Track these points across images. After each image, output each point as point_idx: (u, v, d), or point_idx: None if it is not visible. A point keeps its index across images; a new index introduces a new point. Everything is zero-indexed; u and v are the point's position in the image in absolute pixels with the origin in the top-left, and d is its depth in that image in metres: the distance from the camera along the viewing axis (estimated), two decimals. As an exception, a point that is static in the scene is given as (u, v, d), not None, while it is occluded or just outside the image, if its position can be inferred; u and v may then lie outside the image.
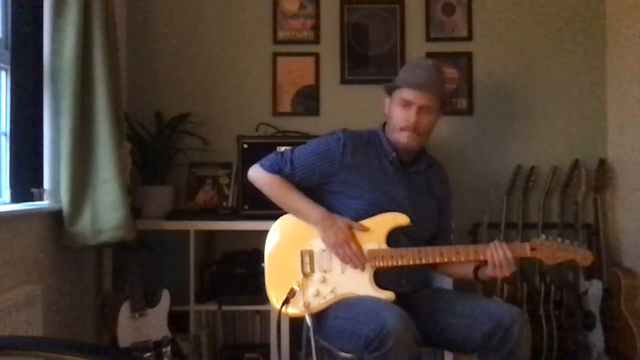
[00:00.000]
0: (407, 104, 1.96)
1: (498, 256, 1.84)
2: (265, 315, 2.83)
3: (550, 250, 1.89)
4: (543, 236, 1.91)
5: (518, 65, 3.13)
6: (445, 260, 1.91)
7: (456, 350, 2.14)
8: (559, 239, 1.90)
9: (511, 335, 1.75)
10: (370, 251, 1.92)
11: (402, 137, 1.98)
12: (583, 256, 1.89)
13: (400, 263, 1.90)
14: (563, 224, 2.96)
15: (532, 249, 1.89)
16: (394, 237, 1.94)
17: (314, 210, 1.96)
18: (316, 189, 2.03)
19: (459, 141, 3.10)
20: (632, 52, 2.92)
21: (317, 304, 1.90)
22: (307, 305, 1.89)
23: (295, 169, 2.00)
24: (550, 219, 3.00)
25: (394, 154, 2.01)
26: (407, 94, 1.96)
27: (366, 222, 1.94)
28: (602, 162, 3.02)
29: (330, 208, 1.97)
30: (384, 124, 2.09)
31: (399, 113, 1.97)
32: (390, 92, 2.04)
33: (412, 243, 1.95)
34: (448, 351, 2.46)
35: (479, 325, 1.79)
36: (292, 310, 1.91)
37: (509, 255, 1.84)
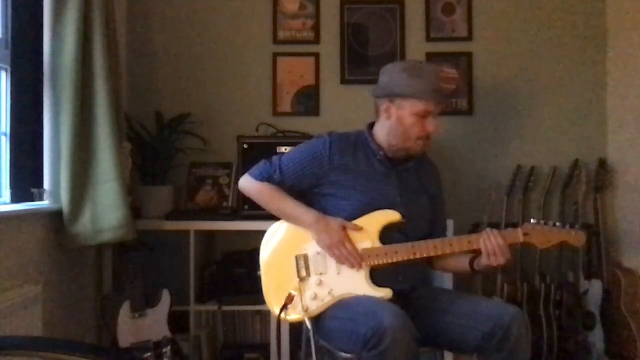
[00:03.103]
0: (425, 114, 1.95)
1: (491, 244, 1.84)
2: (265, 315, 2.83)
3: (542, 233, 1.88)
4: (534, 220, 1.91)
5: (518, 65, 3.13)
6: (439, 253, 1.90)
7: (456, 350, 2.13)
8: (550, 222, 1.90)
9: (510, 334, 1.75)
10: (364, 250, 1.92)
11: (418, 146, 1.99)
12: (576, 237, 1.88)
13: (394, 259, 1.90)
14: (562, 222, 2.96)
15: (525, 234, 1.88)
16: (388, 236, 1.94)
17: (307, 214, 1.96)
18: (307, 193, 2.03)
19: (459, 141, 3.10)
20: (633, 52, 2.92)
21: (316, 306, 1.90)
22: (305, 309, 1.89)
23: (284, 175, 2.00)
24: (550, 219, 2.97)
25: (381, 153, 2.01)
26: (427, 104, 1.94)
27: (358, 222, 1.94)
28: (602, 162, 3.02)
29: (322, 210, 1.97)
30: (370, 125, 2.09)
31: (416, 123, 1.95)
32: (391, 97, 1.99)
33: (407, 241, 1.94)
34: (448, 351, 2.46)
35: (478, 325, 1.79)
36: (291, 315, 1.91)
37: (501, 241, 1.84)
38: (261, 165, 2.05)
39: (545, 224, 1.89)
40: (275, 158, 2.05)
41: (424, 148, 2.03)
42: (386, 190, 1.99)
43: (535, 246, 1.90)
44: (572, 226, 1.91)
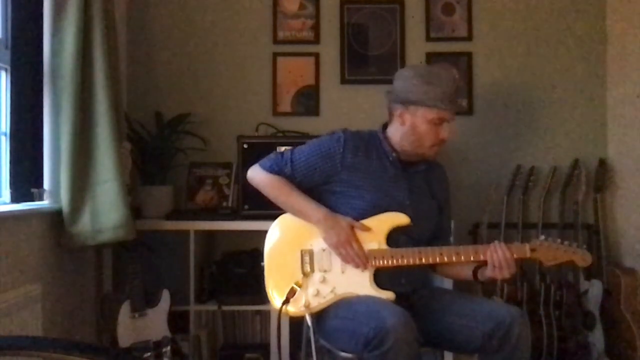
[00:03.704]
0: (439, 122, 1.95)
1: (498, 257, 1.85)
2: (265, 315, 2.83)
3: (549, 251, 1.89)
4: (542, 237, 1.92)
5: (518, 65, 3.13)
6: (446, 260, 1.90)
7: (456, 351, 2.14)
8: (559, 240, 1.91)
9: (511, 335, 1.75)
10: (371, 251, 1.92)
11: (432, 152, 2.01)
12: (582, 257, 1.91)
13: (400, 263, 1.90)
14: (563, 224, 2.96)
15: (532, 250, 1.89)
16: (394, 237, 1.94)
17: (316, 210, 1.95)
18: (316, 189, 2.02)
19: (459, 141, 3.09)
20: (633, 52, 2.92)
21: (317, 303, 1.90)
22: (307, 305, 1.89)
23: (295, 169, 1.99)
24: (550, 219, 3.00)
25: (394, 155, 2.01)
26: (440, 112, 1.94)
27: (367, 222, 1.94)
28: (602, 162, 3.02)
29: (331, 208, 1.97)
30: (384, 125, 2.08)
31: (430, 130, 1.95)
32: (405, 103, 1.97)
33: (412, 243, 1.95)
34: (448, 351, 2.46)
35: (479, 326, 1.79)
36: (293, 309, 1.91)
37: (509, 255, 1.85)
38: (272, 157, 2.04)
39: (554, 240, 1.91)
40: (287, 151, 2.04)
41: (438, 153, 2.04)
42: (395, 192, 1.99)
43: (542, 262, 1.91)
44: (571, 225, 1.91)
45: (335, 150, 1.98)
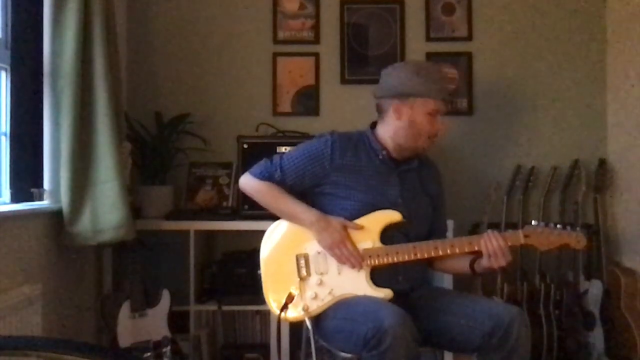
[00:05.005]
0: (435, 113, 1.97)
1: (492, 245, 1.85)
2: (265, 315, 2.83)
3: (543, 236, 1.89)
4: (535, 222, 1.91)
5: (518, 65, 3.13)
6: (440, 253, 1.91)
7: (456, 350, 2.14)
8: (552, 224, 1.91)
9: (511, 335, 1.75)
10: (365, 250, 1.92)
11: (426, 145, 2.01)
12: (576, 239, 1.89)
13: (395, 260, 1.90)
14: (563, 224, 2.96)
15: (526, 236, 1.89)
16: (389, 236, 1.94)
17: (308, 213, 1.96)
18: (308, 192, 2.03)
19: (459, 141, 3.10)
20: (632, 52, 2.92)
21: (316, 306, 1.90)
22: (306, 309, 1.89)
23: (285, 175, 2.00)
24: (550, 219, 2.98)
25: (384, 152, 2.01)
26: (438, 104, 1.97)
27: (360, 221, 1.94)
28: (602, 162, 3.02)
29: (323, 210, 1.97)
30: (372, 124, 2.09)
31: (428, 122, 1.96)
32: (401, 97, 1.97)
33: (408, 241, 1.94)
34: (447, 351, 2.46)
35: (478, 325, 1.79)
36: (292, 314, 1.91)
37: (503, 244, 1.85)
38: (262, 164, 2.05)
39: (547, 225, 1.90)
40: (276, 157, 2.04)
41: (431, 146, 2.04)
42: (387, 191, 1.99)
43: (536, 248, 1.91)
44: (573, 228, 1.91)
45: (324, 153, 1.98)
